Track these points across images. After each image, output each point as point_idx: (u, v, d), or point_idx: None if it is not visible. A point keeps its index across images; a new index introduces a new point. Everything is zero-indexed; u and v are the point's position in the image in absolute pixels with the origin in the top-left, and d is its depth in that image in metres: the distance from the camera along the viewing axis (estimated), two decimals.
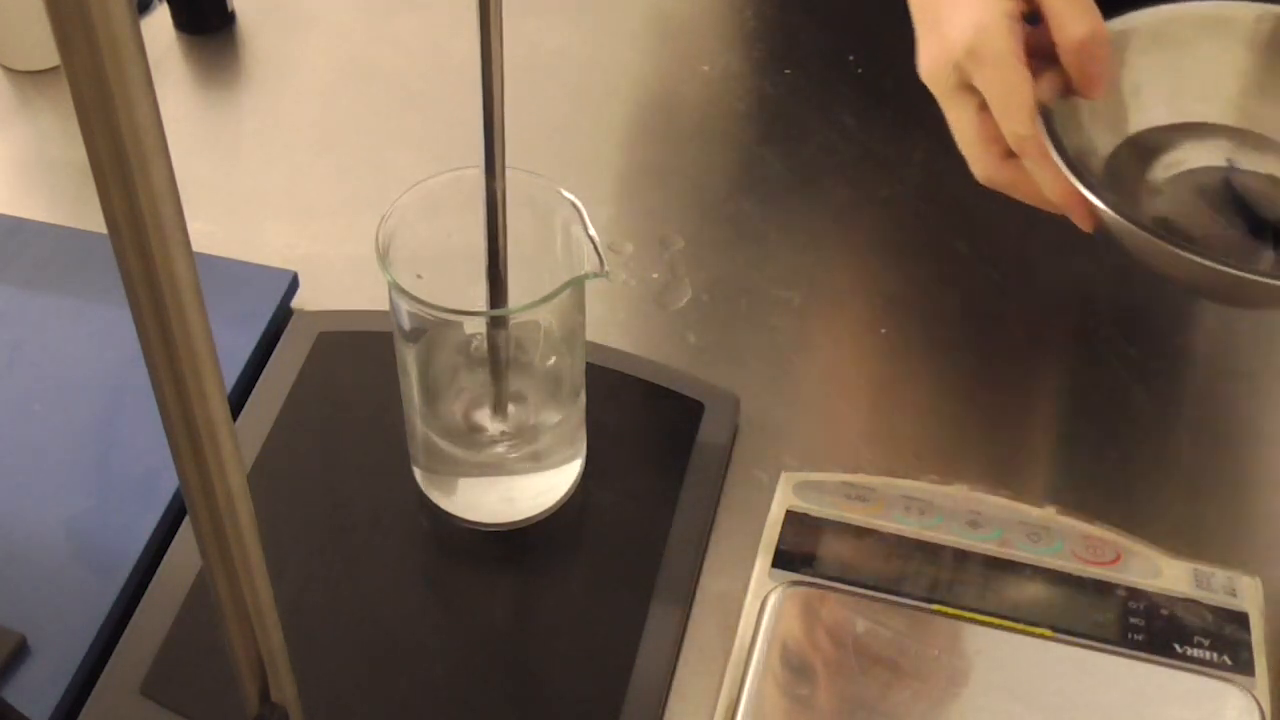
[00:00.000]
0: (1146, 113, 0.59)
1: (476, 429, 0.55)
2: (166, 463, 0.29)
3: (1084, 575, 0.52)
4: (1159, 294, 0.68)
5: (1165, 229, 0.55)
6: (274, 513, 0.56)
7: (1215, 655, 0.50)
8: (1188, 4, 0.59)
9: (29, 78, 0.79)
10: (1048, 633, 0.51)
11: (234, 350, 0.62)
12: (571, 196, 0.51)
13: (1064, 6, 0.54)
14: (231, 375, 0.61)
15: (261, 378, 0.61)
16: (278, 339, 0.63)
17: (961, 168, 0.57)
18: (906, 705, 0.48)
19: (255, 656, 0.35)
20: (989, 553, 0.53)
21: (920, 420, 0.62)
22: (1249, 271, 0.51)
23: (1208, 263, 0.49)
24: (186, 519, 0.53)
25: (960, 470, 0.58)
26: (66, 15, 0.22)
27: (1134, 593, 0.52)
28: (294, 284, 0.66)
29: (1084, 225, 0.54)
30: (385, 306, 0.51)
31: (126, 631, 0.52)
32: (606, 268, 0.49)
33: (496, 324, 0.51)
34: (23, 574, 0.54)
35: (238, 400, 0.60)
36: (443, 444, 0.54)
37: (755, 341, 0.64)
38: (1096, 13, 0.54)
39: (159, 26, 0.82)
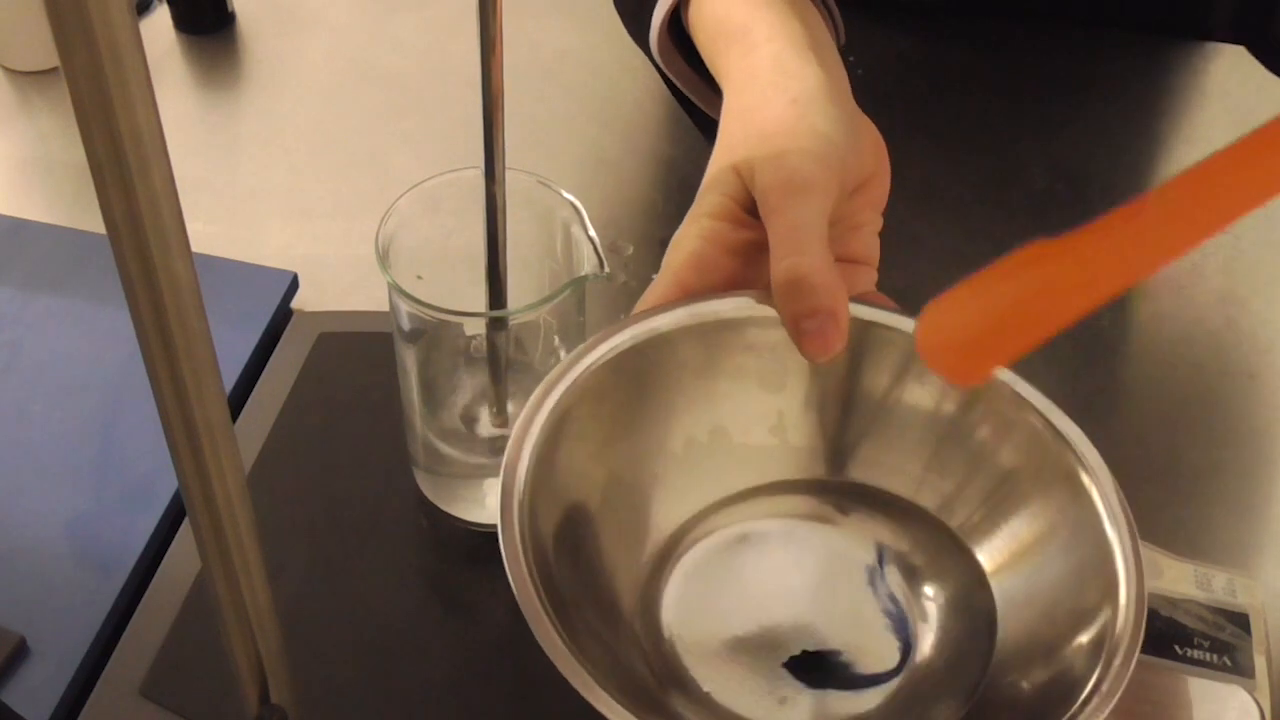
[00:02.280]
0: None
1: (476, 430, 0.55)
2: (166, 464, 0.29)
3: None
4: (1158, 294, 0.68)
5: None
6: (274, 513, 0.56)
7: (1215, 656, 0.50)
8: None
9: (29, 78, 0.79)
10: None
11: (234, 350, 0.62)
12: (571, 196, 0.51)
13: (776, 237, 0.43)
14: (231, 375, 0.61)
15: (261, 378, 0.61)
16: (278, 339, 0.63)
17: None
18: None
19: (255, 657, 0.35)
20: None
21: None
22: None
23: None
24: (186, 519, 0.53)
25: None
26: (66, 15, 0.22)
27: None
28: (294, 284, 0.66)
29: None
30: (385, 307, 0.51)
31: (126, 632, 0.52)
32: (606, 268, 0.49)
33: (496, 325, 0.51)
34: (23, 574, 0.54)
35: (238, 401, 0.60)
36: (442, 445, 0.54)
37: None
38: (812, 250, 0.43)
39: (159, 26, 0.82)
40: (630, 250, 0.68)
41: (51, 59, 0.78)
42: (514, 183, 0.49)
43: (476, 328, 0.53)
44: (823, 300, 0.42)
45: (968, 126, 0.76)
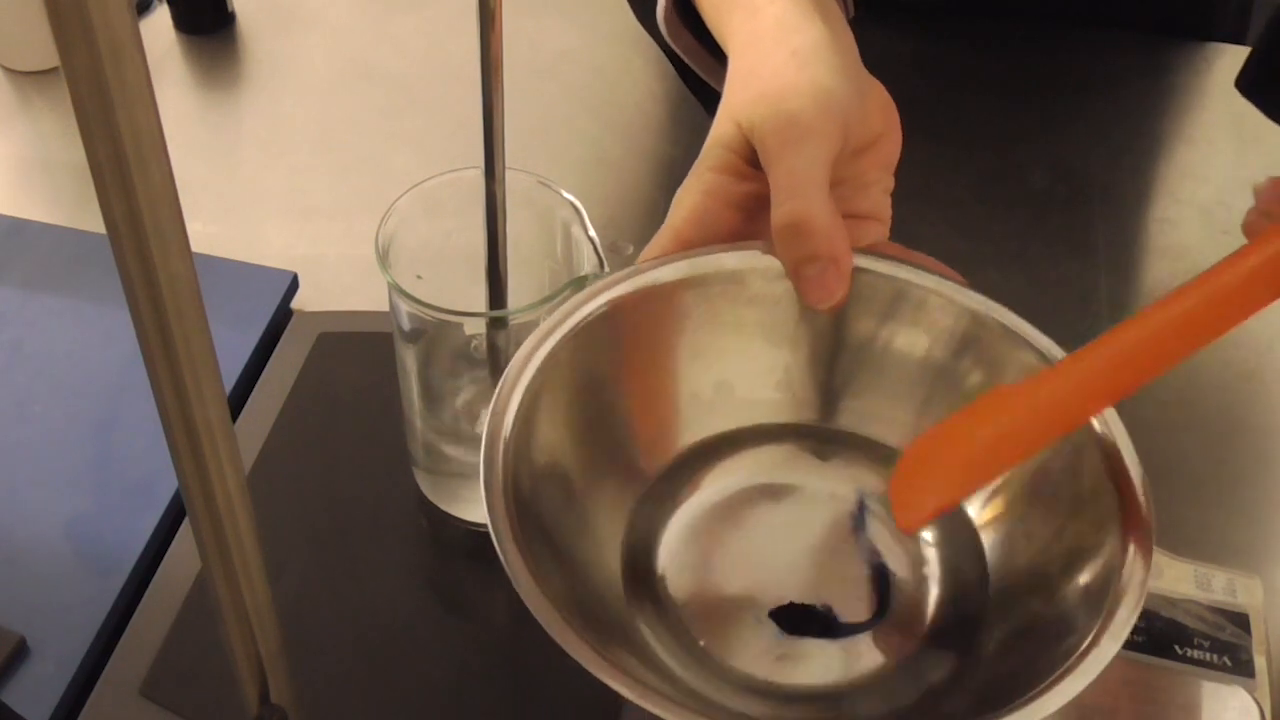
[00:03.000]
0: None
1: (476, 430, 0.55)
2: (166, 464, 0.29)
3: None
4: (1158, 294, 0.68)
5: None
6: (274, 513, 0.56)
7: (1215, 656, 0.50)
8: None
9: (29, 78, 0.79)
10: None
11: (234, 351, 0.62)
12: (571, 196, 0.51)
13: (776, 183, 0.43)
14: (231, 376, 0.61)
15: (261, 378, 0.61)
16: (278, 339, 0.63)
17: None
18: None
19: (255, 657, 0.35)
20: None
21: None
22: None
23: None
24: (186, 519, 0.53)
25: None
26: (66, 16, 0.22)
27: None
28: (294, 284, 0.66)
29: None
30: (385, 306, 0.51)
31: (126, 632, 0.52)
32: (606, 268, 0.49)
33: (496, 325, 0.51)
34: (23, 574, 0.54)
35: (238, 401, 0.60)
36: (442, 444, 0.54)
37: None
38: (811, 194, 0.42)
39: (159, 26, 0.82)
40: (630, 250, 0.68)
41: (51, 59, 0.78)
42: (514, 183, 0.49)
43: (476, 328, 0.53)
44: (822, 245, 0.42)
45: (968, 126, 0.76)
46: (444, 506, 0.56)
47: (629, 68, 0.80)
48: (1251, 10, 0.88)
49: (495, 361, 0.53)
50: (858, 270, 0.44)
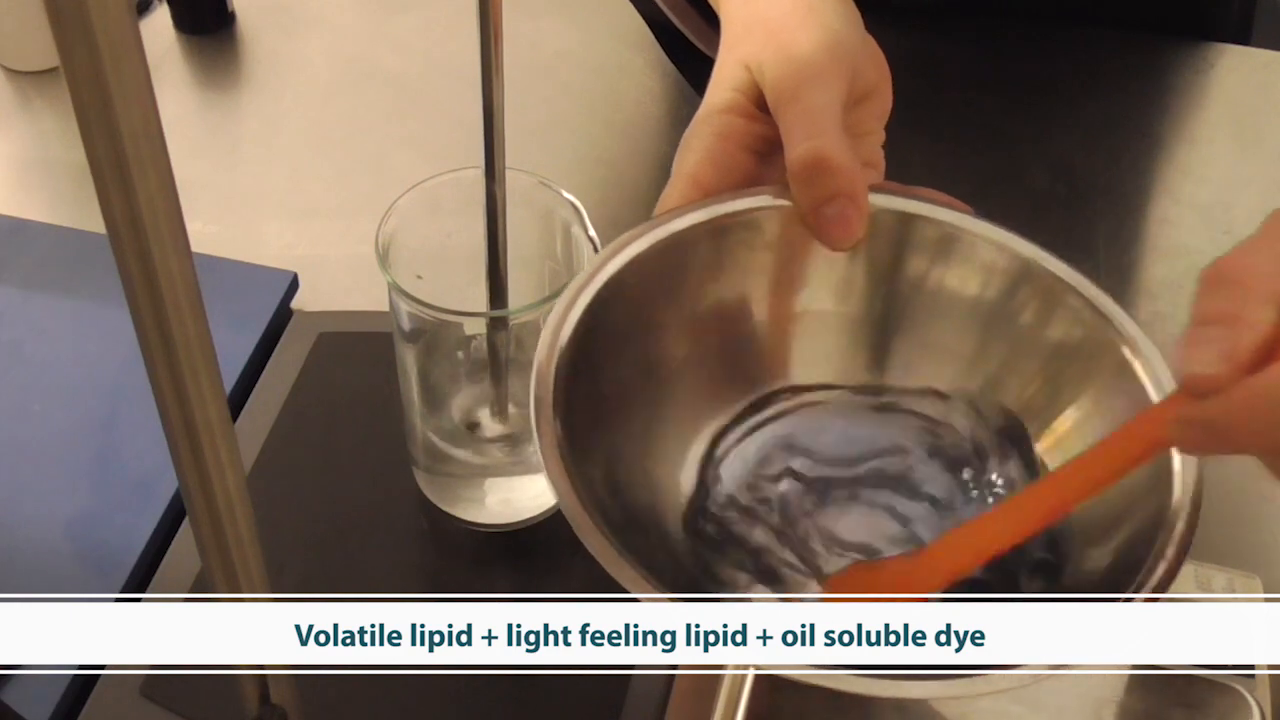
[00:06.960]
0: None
1: (476, 430, 0.55)
2: (166, 463, 0.29)
3: None
4: (1158, 294, 0.68)
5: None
6: (274, 513, 0.56)
7: None
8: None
9: (29, 78, 0.79)
10: None
11: (234, 351, 0.62)
12: (571, 196, 0.51)
13: (790, 123, 0.43)
14: (231, 376, 0.61)
15: (261, 378, 0.61)
16: (278, 339, 0.63)
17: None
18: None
19: None
20: None
21: None
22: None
23: None
24: (186, 519, 0.53)
25: None
26: (66, 16, 0.22)
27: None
28: (294, 284, 0.66)
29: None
30: (385, 306, 0.51)
31: None
32: None
33: (496, 325, 0.51)
34: (23, 574, 0.54)
35: (238, 401, 0.60)
36: (442, 445, 0.54)
37: None
38: (829, 133, 0.42)
39: (159, 26, 0.82)
40: None
41: (51, 59, 0.78)
42: (514, 182, 0.49)
43: (476, 328, 0.53)
44: (843, 183, 0.41)
45: (968, 126, 0.76)
46: (444, 507, 0.56)
47: (629, 68, 0.80)
48: (1254, 10, 0.88)
49: (495, 361, 0.53)
50: (881, 210, 0.43)
